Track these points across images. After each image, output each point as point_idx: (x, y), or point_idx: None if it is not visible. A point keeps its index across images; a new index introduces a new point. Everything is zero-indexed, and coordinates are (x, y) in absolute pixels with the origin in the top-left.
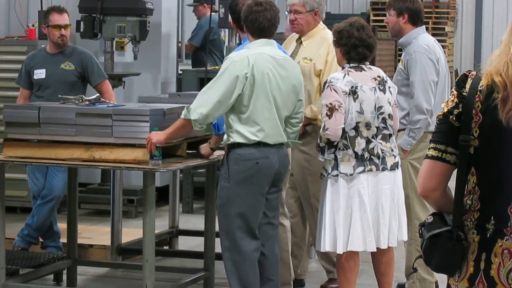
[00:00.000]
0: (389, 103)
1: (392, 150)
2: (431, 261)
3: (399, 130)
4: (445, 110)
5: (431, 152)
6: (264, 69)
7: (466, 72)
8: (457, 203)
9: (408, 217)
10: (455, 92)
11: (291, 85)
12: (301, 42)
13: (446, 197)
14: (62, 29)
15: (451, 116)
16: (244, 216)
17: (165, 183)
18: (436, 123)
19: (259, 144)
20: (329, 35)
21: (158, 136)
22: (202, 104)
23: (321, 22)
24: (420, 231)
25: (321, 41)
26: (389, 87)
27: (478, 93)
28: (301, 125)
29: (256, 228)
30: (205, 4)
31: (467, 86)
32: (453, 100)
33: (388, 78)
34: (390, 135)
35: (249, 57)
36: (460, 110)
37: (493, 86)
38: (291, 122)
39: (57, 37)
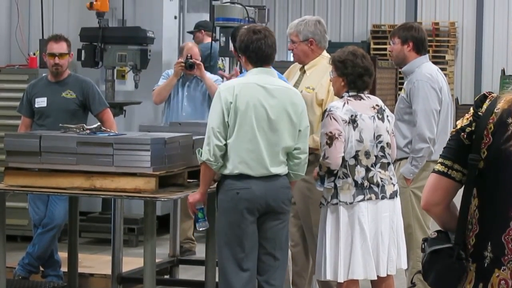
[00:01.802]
0: (388, 131)
1: (391, 179)
2: (429, 276)
3: (402, 159)
4: (458, 126)
5: (438, 167)
6: (249, 99)
7: (486, 93)
8: (461, 221)
9: (410, 246)
10: (471, 111)
11: (283, 113)
12: (304, 71)
13: (450, 214)
14: (57, 57)
15: (462, 133)
16: (230, 246)
17: (166, 212)
18: (449, 138)
19: (241, 175)
20: None
21: (193, 196)
22: (206, 141)
23: (324, 52)
24: (423, 245)
25: (324, 70)
26: (387, 116)
27: (493, 115)
28: (303, 156)
29: (244, 259)
30: (202, 31)
31: (484, 106)
32: (468, 118)
33: (385, 107)
34: (389, 164)
35: (235, 86)
36: (473, 128)
37: (510, 112)
38: (292, 153)
39: (52, 66)
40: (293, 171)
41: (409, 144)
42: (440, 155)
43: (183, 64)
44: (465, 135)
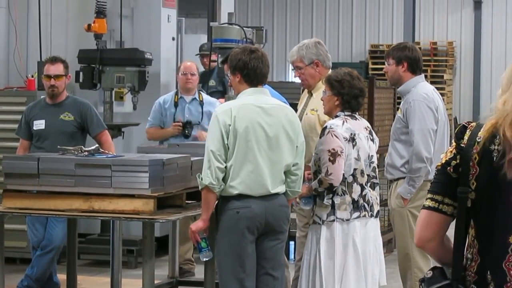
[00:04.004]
0: (375, 153)
1: (376, 198)
2: None
3: (399, 179)
4: (443, 161)
5: (428, 203)
6: (247, 121)
7: (466, 123)
8: (456, 255)
9: (408, 265)
10: (454, 143)
11: (280, 131)
12: (311, 94)
13: (444, 248)
14: (52, 79)
15: (448, 167)
16: (231, 266)
17: (165, 233)
18: (435, 173)
19: (241, 195)
20: None
21: (196, 224)
22: (206, 165)
23: (330, 71)
24: (421, 286)
25: None
26: (374, 138)
27: (476, 144)
28: (300, 172)
29: (245, 278)
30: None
31: (465, 137)
32: (451, 151)
33: (372, 129)
34: (376, 184)
35: (232, 108)
36: (458, 161)
37: (494, 138)
38: (289, 170)
39: (48, 87)
40: (290, 188)
41: (406, 164)
42: (429, 190)
43: (180, 128)
44: (451, 169)
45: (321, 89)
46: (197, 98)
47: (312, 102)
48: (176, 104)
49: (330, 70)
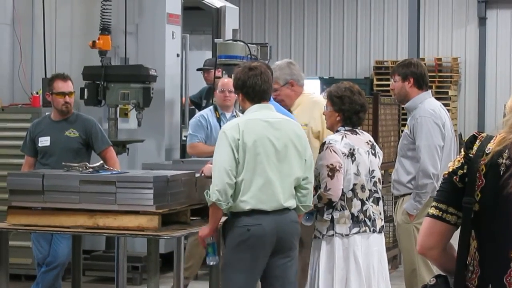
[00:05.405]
0: (378, 167)
1: (380, 213)
2: None
3: (405, 195)
4: (450, 169)
5: (432, 211)
6: (255, 135)
7: (476, 133)
8: (459, 266)
9: (414, 281)
10: (462, 153)
11: (289, 144)
12: (291, 113)
13: (446, 256)
14: (67, 96)
15: (454, 177)
16: (239, 284)
17: (170, 249)
18: (441, 181)
19: (253, 211)
20: (320, 98)
21: (203, 230)
22: (214, 182)
23: (307, 89)
24: None
25: (313, 104)
26: (377, 152)
27: (484, 156)
28: (310, 186)
29: None
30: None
31: (475, 147)
32: (459, 160)
33: (375, 143)
34: (379, 199)
35: (239, 124)
36: (465, 171)
37: (502, 152)
38: (300, 184)
39: (61, 104)
40: (301, 202)
41: (412, 180)
42: (434, 198)
43: None
44: (457, 178)
45: (300, 106)
46: (236, 116)
47: (296, 119)
48: (219, 120)
49: (328, 86)
